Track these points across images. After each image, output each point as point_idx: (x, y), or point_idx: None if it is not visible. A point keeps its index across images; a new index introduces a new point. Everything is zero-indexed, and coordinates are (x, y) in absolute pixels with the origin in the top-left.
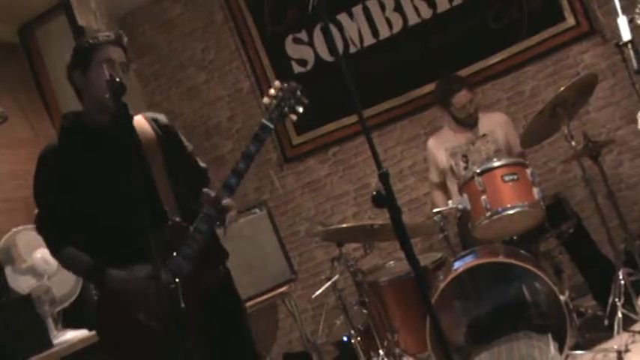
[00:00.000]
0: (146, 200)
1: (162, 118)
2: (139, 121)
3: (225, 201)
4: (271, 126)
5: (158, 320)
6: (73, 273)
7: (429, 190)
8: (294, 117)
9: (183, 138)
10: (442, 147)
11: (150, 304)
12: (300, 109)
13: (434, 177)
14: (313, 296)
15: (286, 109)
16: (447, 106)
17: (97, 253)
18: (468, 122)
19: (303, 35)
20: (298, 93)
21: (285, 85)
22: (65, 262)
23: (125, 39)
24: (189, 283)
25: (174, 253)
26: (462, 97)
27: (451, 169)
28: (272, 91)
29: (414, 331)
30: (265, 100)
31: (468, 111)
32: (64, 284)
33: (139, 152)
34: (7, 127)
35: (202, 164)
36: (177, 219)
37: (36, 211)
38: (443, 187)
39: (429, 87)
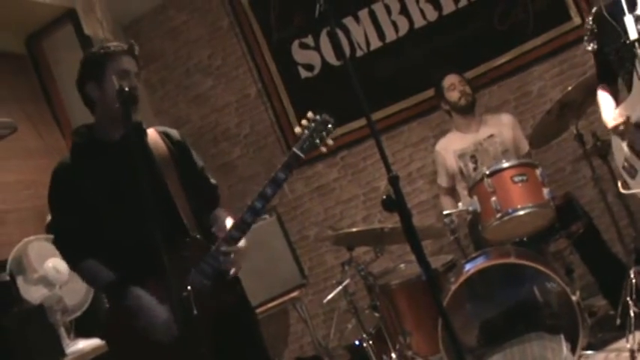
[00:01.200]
0: (165, 215)
1: (174, 133)
2: (152, 134)
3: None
4: (302, 155)
5: (169, 336)
6: (91, 286)
7: (438, 193)
8: (324, 149)
9: (194, 154)
10: (450, 149)
11: (161, 322)
12: (331, 142)
13: (443, 181)
14: (324, 301)
15: (318, 140)
16: (442, 97)
17: (114, 268)
18: (467, 109)
19: (309, 40)
20: (330, 126)
21: (318, 117)
22: (85, 276)
23: (137, 48)
24: (206, 300)
25: (194, 270)
26: (450, 78)
27: (460, 171)
28: (304, 122)
29: (426, 334)
30: (297, 129)
31: (460, 95)
32: (76, 293)
33: (154, 167)
34: (16, 138)
35: (213, 181)
36: (198, 236)
37: (47, 218)
38: (452, 192)
39: (435, 89)
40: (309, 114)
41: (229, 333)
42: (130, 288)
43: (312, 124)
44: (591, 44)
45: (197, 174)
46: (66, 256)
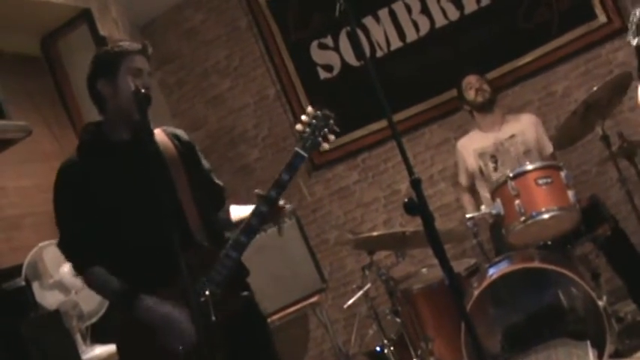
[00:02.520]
0: (172, 221)
1: (182, 134)
2: (159, 135)
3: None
4: (305, 155)
5: (184, 345)
6: (99, 295)
7: (459, 192)
8: (326, 146)
9: (201, 156)
10: (470, 148)
11: (178, 331)
12: (333, 138)
13: (463, 180)
14: (345, 306)
15: (319, 138)
16: (463, 98)
17: (121, 273)
18: (485, 106)
19: (328, 40)
20: (331, 121)
21: (319, 112)
22: (92, 283)
23: (150, 49)
24: (218, 308)
25: (204, 279)
26: (469, 79)
27: (480, 170)
28: (305, 118)
29: (448, 340)
30: (298, 127)
31: (476, 92)
32: (92, 299)
33: (164, 168)
34: (32, 141)
35: (219, 182)
36: (206, 243)
37: None
38: (471, 190)
39: (455, 90)
40: (309, 109)
41: (241, 341)
42: (141, 297)
43: (314, 121)
44: (637, 38)
45: (204, 176)
46: (72, 261)
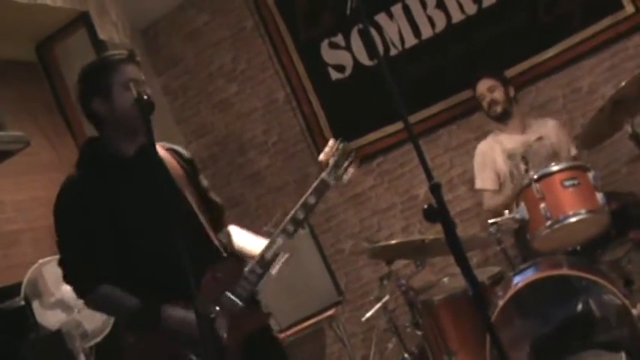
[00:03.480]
0: (192, 235)
1: (183, 151)
2: (160, 150)
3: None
4: (330, 184)
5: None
6: (110, 313)
7: (479, 197)
8: (346, 179)
9: (200, 173)
10: (498, 149)
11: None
12: (351, 172)
13: (490, 183)
14: (363, 319)
15: (341, 171)
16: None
17: (134, 293)
18: (500, 118)
19: (339, 39)
20: (353, 154)
21: (341, 146)
22: (102, 302)
23: (137, 53)
24: (239, 324)
25: (228, 293)
26: (481, 84)
27: (511, 173)
28: (327, 150)
29: (472, 353)
30: (321, 157)
31: (489, 105)
32: (96, 318)
33: (175, 184)
34: (29, 152)
35: (218, 201)
36: (232, 254)
37: None
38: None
39: (471, 90)
40: (331, 142)
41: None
42: (167, 309)
43: (336, 155)
44: None
45: (203, 193)
46: (75, 282)
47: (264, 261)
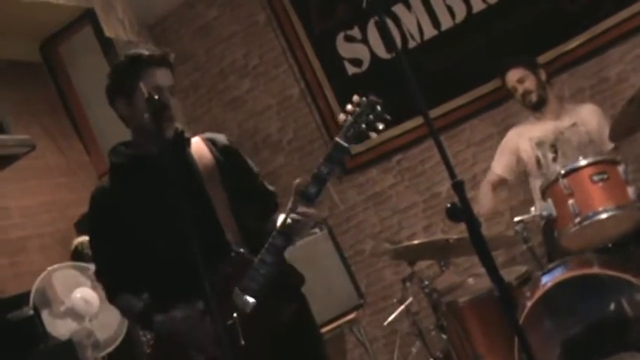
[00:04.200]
0: (206, 232)
1: (221, 138)
2: (197, 144)
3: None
4: (346, 145)
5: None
6: (129, 320)
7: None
8: (374, 135)
9: (247, 159)
10: (527, 136)
11: (201, 339)
12: (381, 127)
13: (501, 169)
14: (385, 323)
15: (364, 125)
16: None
17: (157, 292)
18: (536, 107)
19: (355, 32)
20: (379, 108)
21: (364, 99)
22: (121, 310)
23: (172, 56)
24: (254, 321)
25: (237, 289)
26: (511, 75)
27: (538, 161)
28: (349, 107)
29: (500, 357)
30: (341, 116)
31: (522, 89)
32: (108, 326)
33: (195, 181)
34: (35, 156)
35: (270, 188)
36: (242, 250)
37: (73, 243)
38: (500, 186)
39: (500, 80)
40: (355, 97)
41: (290, 352)
42: (156, 317)
43: (358, 109)
44: None
45: (251, 180)
46: (105, 288)
47: (275, 248)
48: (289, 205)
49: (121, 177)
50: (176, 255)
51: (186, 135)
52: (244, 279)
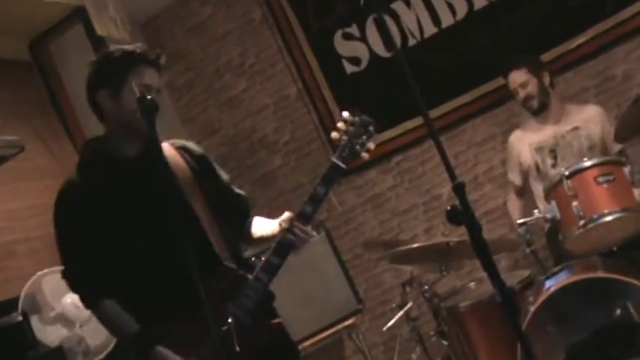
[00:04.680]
0: (194, 243)
1: (193, 146)
2: (168, 150)
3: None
4: (343, 166)
5: None
6: (110, 333)
7: (506, 194)
8: (366, 156)
9: (217, 167)
10: (526, 141)
11: None
12: (372, 147)
13: (515, 178)
14: (384, 328)
15: (358, 147)
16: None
17: (137, 305)
18: (538, 111)
19: (354, 30)
20: (371, 128)
21: (357, 118)
22: (103, 318)
23: (163, 58)
24: (249, 339)
25: (232, 306)
26: (513, 76)
27: (537, 167)
28: (340, 125)
29: None
30: (334, 135)
31: (524, 93)
32: (99, 332)
33: (178, 187)
34: (24, 158)
35: (241, 192)
36: (234, 266)
37: None
38: (522, 192)
39: (502, 79)
40: (345, 115)
41: None
42: (156, 349)
43: (351, 128)
44: None
45: (223, 189)
46: (79, 294)
47: (271, 267)
48: (285, 224)
49: (94, 177)
50: (161, 266)
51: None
52: (240, 296)
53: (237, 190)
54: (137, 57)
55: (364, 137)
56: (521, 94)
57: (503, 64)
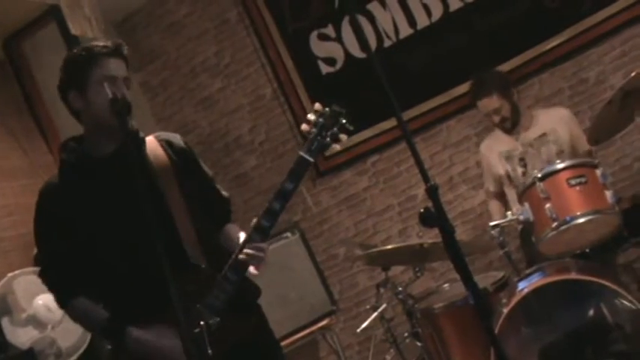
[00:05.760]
0: (163, 240)
1: (177, 140)
2: (151, 143)
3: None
4: (311, 159)
5: None
6: (85, 328)
7: (485, 198)
8: (337, 147)
9: (202, 163)
10: (495, 151)
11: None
12: (345, 137)
13: (490, 185)
14: (359, 330)
15: (328, 138)
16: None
17: (112, 303)
18: (505, 128)
19: (329, 30)
20: (342, 119)
21: (327, 109)
22: (76, 316)
23: (125, 48)
24: (216, 338)
25: (200, 307)
26: (485, 103)
27: (508, 175)
28: (311, 116)
29: None
30: (304, 127)
31: (498, 118)
32: (71, 334)
33: (153, 184)
34: None
35: (225, 193)
36: (203, 265)
37: (35, 251)
38: (501, 196)
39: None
40: (317, 106)
41: None
42: (128, 330)
43: (321, 120)
44: None
45: (206, 185)
46: (54, 292)
47: (240, 264)
48: (242, 238)
49: (73, 176)
50: (133, 264)
51: (141, 134)
52: (208, 296)
53: (220, 190)
54: (98, 51)
55: (335, 129)
56: (496, 119)
57: (472, 85)
